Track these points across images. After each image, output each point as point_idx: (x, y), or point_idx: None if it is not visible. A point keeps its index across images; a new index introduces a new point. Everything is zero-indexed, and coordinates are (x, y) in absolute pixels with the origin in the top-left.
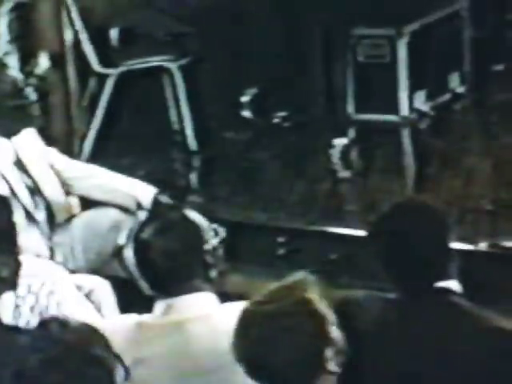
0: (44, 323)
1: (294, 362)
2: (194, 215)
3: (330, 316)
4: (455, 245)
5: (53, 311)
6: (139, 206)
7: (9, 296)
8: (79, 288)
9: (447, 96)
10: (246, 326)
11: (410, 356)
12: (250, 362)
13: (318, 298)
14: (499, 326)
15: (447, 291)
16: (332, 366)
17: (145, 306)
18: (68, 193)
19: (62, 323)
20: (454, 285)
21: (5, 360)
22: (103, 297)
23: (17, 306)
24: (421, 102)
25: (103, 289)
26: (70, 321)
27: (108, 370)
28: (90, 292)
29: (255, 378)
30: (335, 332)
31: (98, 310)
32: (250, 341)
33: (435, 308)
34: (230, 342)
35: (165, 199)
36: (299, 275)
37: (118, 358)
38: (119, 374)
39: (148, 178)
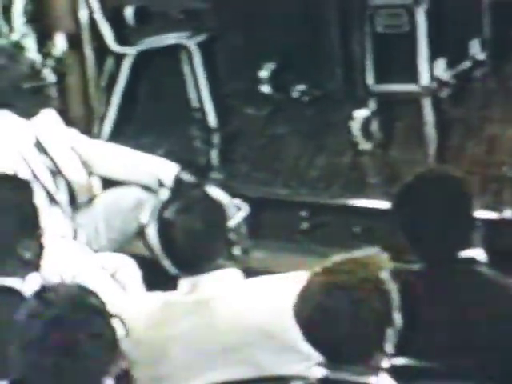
0: (37, 293)
1: (355, 336)
2: (216, 192)
3: (396, 299)
4: (479, 213)
5: None
6: (161, 184)
7: (34, 278)
8: (104, 268)
9: (468, 63)
10: (312, 294)
11: (435, 326)
12: (312, 328)
13: (389, 278)
14: None
15: (471, 260)
16: (389, 347)
17: (169, 284)
18: (89, 173)
19: (53, 287)
20: (478, 254)
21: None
22: (129, 275)
23: None
24: (441, 70)
25: (129, 267)
26: (61, 283)
27: (108, 319)
28: (115, 271)
29: (314, 346)
30: (397, 315)
31: (124, 288)
32: (315, 308)
33: (459, 278)
34: (292, 305)
35: (187, 177)
36: (372, 251)
37: (113, 315)
38: (120, 330)
39: (168, 157)
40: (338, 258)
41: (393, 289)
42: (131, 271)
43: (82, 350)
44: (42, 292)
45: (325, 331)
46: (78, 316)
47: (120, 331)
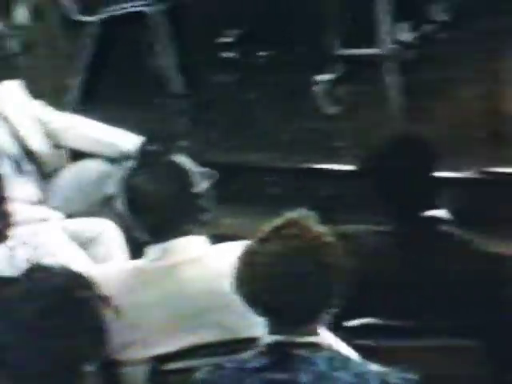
0: (28, 272)
1: (306, 298)
2: (182, 160)
3: (340, 249)
4: (447, 174)
5: (48, 260)
6: (126, 156)
7: (1, 248)
8: (83, 232)
9: (431, 26)
10: (253, 267)
11: (403, 284)
12: (261, 297)
13: (324, 230)
14: (486, 251)
15: (437, 220)
16: (336, 301)
17: (137, 251)
18: (55, 145)
19: (44, 270)
20: (443, 213)
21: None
22: (112, 238)
23: (11, 257)
24: (405, 33)
25: (111, 230)
26: (52, 267)
27: (95, 311)
28: (97, 235)
29: (262, 313)
30: (343, 268)
31: (108, 252)
32: (265, 277)
33: (425, 237)
34: (233, 282)
35: (152, 148)
36: (299, 212)
37: (105, 299)
38: (109, 314)
39: (137, 126)
40: (275, 223)
41: (332, 241)
42: (113, 234)
43: (62, 341)
44: (32, 274)
45: (274, 298)
46: (65, 310)
47: (109, 314)
